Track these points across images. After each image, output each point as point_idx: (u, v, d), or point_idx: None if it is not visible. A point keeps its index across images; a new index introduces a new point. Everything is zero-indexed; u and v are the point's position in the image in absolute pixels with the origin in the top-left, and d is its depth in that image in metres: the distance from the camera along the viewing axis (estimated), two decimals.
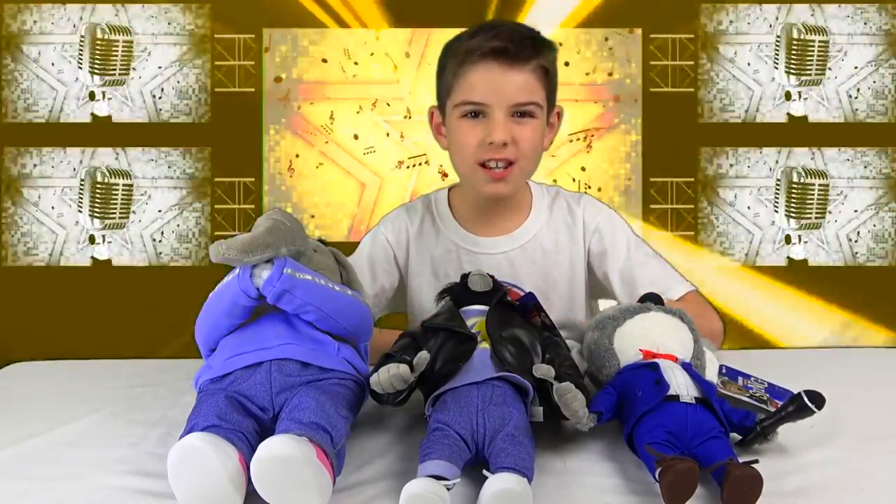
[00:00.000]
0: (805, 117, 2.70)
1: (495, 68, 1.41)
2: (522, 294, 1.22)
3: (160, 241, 2.71)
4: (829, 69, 2.69)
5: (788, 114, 2.70)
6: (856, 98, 2.69)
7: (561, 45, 2.55)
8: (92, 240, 2.69)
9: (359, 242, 1.65)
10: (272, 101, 2.69)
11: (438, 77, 1.51)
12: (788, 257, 2.72)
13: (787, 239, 2.71)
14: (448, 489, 0.92)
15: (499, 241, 1.56)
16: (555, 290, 1.56)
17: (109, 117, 2.69)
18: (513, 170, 1.46)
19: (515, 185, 1.51)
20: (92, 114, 2.68)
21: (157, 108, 2.69)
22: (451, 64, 1.46)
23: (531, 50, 1.44)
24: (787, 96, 2.69)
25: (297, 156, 2.70)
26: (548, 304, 1.43)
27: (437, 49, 1.54)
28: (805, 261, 2.71)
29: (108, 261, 2.70)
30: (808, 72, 2.69)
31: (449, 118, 1.48)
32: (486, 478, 0.93)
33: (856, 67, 2.68)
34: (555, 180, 2.63)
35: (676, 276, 1.57)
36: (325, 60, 2.69)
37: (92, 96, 2.67)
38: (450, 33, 1.53)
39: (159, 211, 2.70)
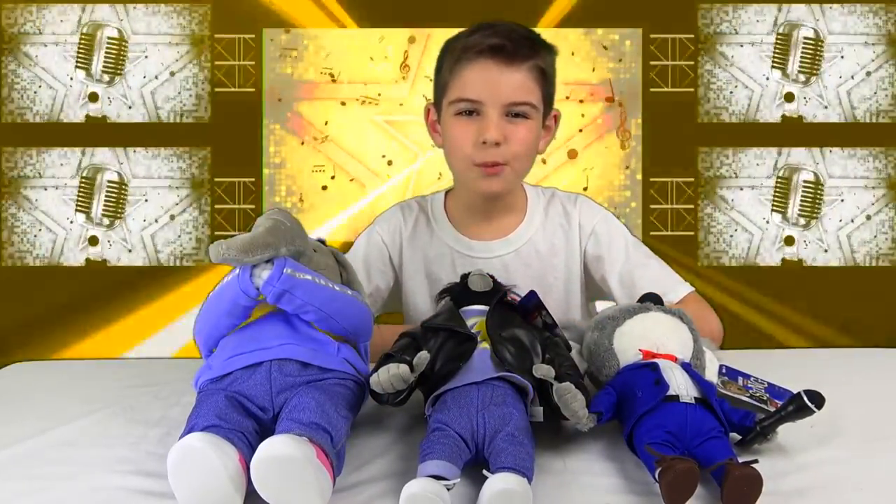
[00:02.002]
0: (804, 117, 2.70)
1: (491, 66, 1.40)
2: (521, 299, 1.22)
3: (160, 242, 2.71)
4: (828, 69, 2.69)
5: (787, 114, 2.70)
6: (855, 98, 2.69)
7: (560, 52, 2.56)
8: (93, 241, 2.69)
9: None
10: (272, 102, 2.69)
11: (436, 74, 1.50)
12: (784, 258, 2.72)
13: (789, 240, 2.71)
14: (448, 489, 0.92)
15: (493, 245, 1.55)
16: (550, 294, 1.54)
17: (109, 117, 2.69)
18: (504, 168, 1.44)
19: (508, 184, 1.50)
20: (91, 114, 2.68)
21: (156, 109, 2.69)
22: (448, 61, 1.45)
23: (528, 49, 1.42)
24: (789, 97, 2.69)
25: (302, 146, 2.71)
26: None
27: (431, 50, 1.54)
28: (802, 261, 2.71)
29: (108, 261, 2.71)
30: (807, 72, 2.69)
31: (444, 116, 1.47)
32: (486, 478, 0.93)
33: (855, 67, 2.69)
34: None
35: (676, 277, 1.56)
36: (326, 63, 2.69)
37: (93, 97, 2.67)
38: (449, 32, 1.54)
39: (159, 211, 2.70)
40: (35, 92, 2.67)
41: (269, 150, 2.70)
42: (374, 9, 2.66)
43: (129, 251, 2.71)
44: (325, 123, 2.70)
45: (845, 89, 2.69)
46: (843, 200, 2.71)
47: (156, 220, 2.71)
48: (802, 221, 2.71)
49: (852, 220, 2.71)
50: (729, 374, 1.23)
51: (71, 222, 2.69)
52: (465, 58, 1.41)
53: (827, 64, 2.69)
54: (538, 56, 1.44)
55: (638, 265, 1.55)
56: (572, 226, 1.57)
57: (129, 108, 2.69)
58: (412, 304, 1.58)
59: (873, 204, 2.70)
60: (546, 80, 1.46)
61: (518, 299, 1.20)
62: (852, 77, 2.69)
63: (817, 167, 2.70)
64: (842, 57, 2.68)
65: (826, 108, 2.70)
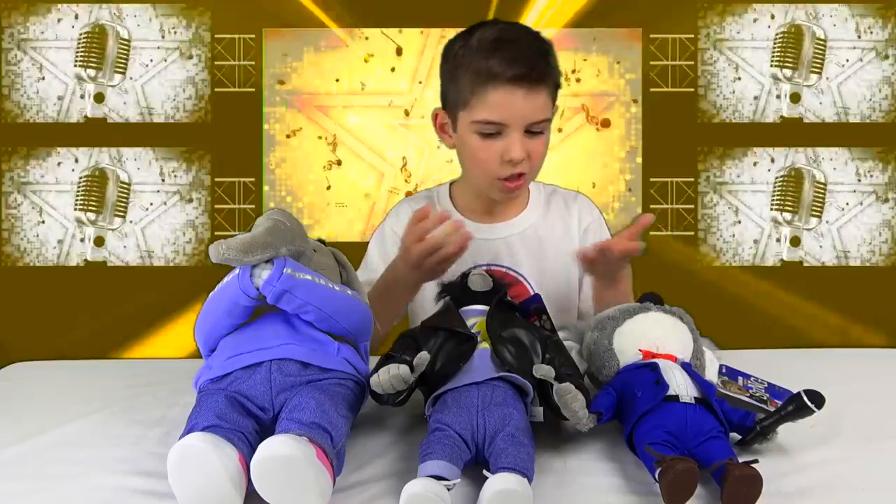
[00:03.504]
0: (804, 118, 2.70)
1: (517, 92, 1.45)
2: (532, 293, 1.23)
3: (160, 242, 2.71)
4: (829, 69, 2.69)
5: (788, 114, 2.70)
6: (856, 98, 2.69)
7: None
8: (95, 241, 2.69)
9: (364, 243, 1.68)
10: (272, 101, 2.69)
11: (448, 82, 1.53)
12: (784, 259, 2.72)
13: (794, 241, 2.71)
14: (448, 489, 0.92)
15: (497, 228, 1.62)
16: (551, 278, 1.61)
17: (109, 118, 2.69)
18: (524, 179, 1.53)
19: (524, 189, 1.61)
20: (92, 114, 2.68)
21: (156, 109, 2.69)
22: (468, 78, 1.48)
23: (546, 70, 1.49)
24: (790, 97, 2.69)
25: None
26: (543, 291, 1.47)
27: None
28: (801, 261, 2.71)
29: (108, 261, 2.70)
30: (808, 72, 2.69)
31: (463, 129, 1.52)
32: (487, 478, 0.93)
33: (857, 67, 2.69)
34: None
35: None
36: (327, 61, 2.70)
37: (98, 98, 2.67)
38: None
39: (159, 211, 2.70)
40: (35, 92, 2.67)
41: (269, 150, 2.70)
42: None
43: (129, 251, 2.70)
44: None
45: (846, 89, 2.69)
46: (844, 201, 2.70)
47: (156, 221, 2.70)
48: (802, 221, 2.71)
49: (852, 221, 2.71)
50: (729, 374, 1.23)
51: (71, 222, 2.69)
52: (490, 82, 1.46)
53: (828, 64, 2.69)
54: (554, 71, 1.51)
55: None
56: (572, 217, 1.65)
57: (130, 108, 2.69)
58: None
59: (874, 204, 2.70)
60: (557, 91, 1.53)
61: (530, 291, 1.21)
62: (853, 77, 2.69)
63: (818, 167, 2.70)
64: (842, 57, 2.68)
65: (827, 108, 2.69)
